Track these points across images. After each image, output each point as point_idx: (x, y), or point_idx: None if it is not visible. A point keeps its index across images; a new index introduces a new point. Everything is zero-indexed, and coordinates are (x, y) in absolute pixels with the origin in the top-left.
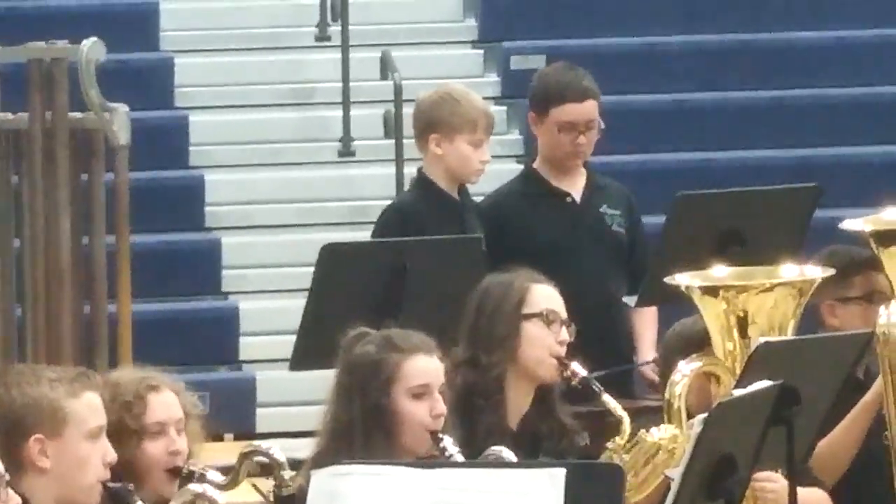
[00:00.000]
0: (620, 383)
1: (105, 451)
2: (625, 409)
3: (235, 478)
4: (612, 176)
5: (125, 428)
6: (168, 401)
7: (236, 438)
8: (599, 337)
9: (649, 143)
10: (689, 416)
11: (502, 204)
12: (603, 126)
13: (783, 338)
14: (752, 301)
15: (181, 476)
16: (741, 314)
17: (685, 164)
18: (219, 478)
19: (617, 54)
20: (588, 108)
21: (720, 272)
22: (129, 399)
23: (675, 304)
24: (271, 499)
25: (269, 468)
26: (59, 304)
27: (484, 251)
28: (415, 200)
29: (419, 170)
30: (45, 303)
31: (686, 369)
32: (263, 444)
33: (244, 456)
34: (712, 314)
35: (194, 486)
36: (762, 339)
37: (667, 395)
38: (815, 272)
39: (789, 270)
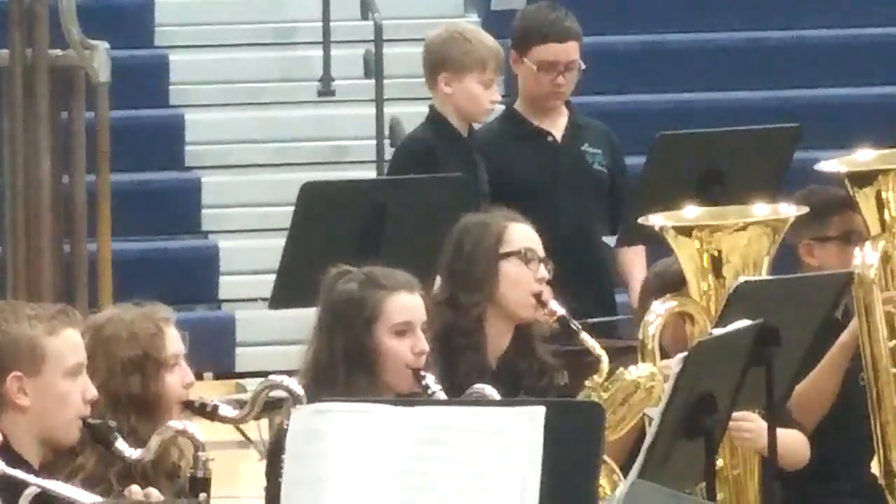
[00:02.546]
0: (600, 323)
1: (85, 388)
2: (603, 348)
3: (250, 410)
4: (592, 117)
5: (150, 360)
6: (176, 333)
7: (216, 377)
8: (580, 275)
9: (629, 83)
10: (664, 356)
11: (483, 143)
12: (584, 67)
13: (762, 277)
14: (726, 240)
15: (193, 408)
16: (715, 254)
17: (665, 104)
18: (231, 411)
19: None
20: (569, 49)
21: (693, 212)
22: (153, 332)
23: (663, 244)
24: (267, 435)
25: (276, 404)
26: (39, 242)
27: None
28: (430, 136)
29: (431, 107)
30: (26, 241)
31: (660, 309)
32: (279, 377)
33: (261, 388)
34: (686, 254)
35: (175, 423)
36: (742, 279)
37: (640, 336)
38: (789, 210)
39: (762, 209)
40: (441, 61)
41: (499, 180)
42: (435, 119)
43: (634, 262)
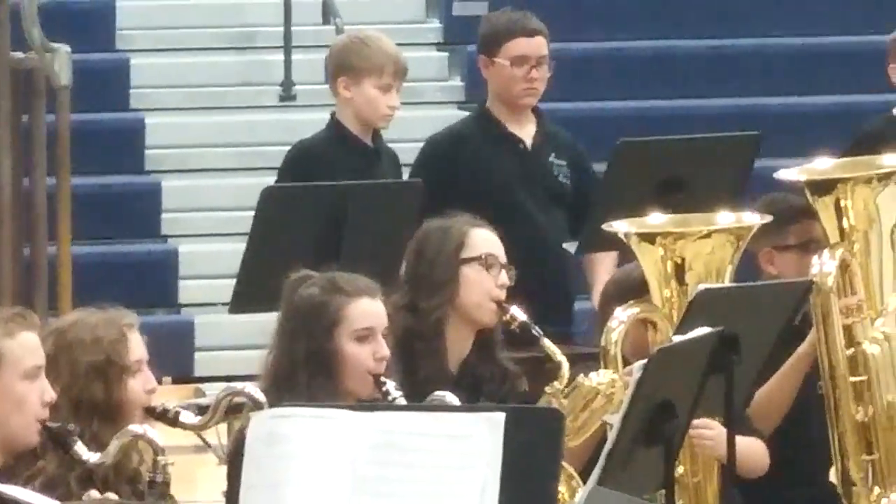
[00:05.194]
0: (561, 330)
1: (43, 391)
2: (564, 354)
3: (212, 417)
4: (554, 123)
5: (113, 366)
6: (140, 338)
7: (174, 382)
8: (544, 283)
9: (590, 90)
10: (626, 363)
11: (456, 143)
12: (554, 62)
13: (723, 285)
14: (690, 248)
15: (155, 414)
16: (678, 261)
17: (626, 111)
18: (192, 418)
19: (558, 2)
20: (539, 43)
21: (657, 219)
22: (116, 337)
23: (627, 251)
24: (226, 439)
25: (236, 409)
26: None
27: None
28: (321, 142)
29: (332, 114)
30: None
31: (622, 316)
32: (240, 385)
33: (223, 396)
34: (649, 261)
35: (134, 427)
36: (702, 286)
37: (602, 342)
38: (753, 219)
39: (726, 217)
40: (339, 66)
41: (468, 181)
42: (332, 125)
43: (604, 268)
